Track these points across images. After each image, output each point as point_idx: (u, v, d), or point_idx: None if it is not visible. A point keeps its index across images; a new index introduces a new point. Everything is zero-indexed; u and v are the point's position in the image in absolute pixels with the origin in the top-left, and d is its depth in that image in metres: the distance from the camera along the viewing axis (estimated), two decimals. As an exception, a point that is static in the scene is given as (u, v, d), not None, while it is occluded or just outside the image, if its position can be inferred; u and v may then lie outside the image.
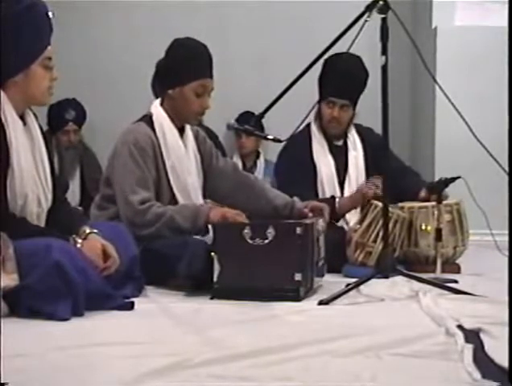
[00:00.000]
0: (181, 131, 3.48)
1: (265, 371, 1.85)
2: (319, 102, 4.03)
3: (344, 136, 4.15)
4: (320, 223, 3.20)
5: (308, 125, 4.09)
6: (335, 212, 3.79)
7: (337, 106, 4.02)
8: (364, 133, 4.19)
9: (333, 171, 4.08)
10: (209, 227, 3.17)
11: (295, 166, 4.02)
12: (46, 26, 2.74)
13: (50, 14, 2.73)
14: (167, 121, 3.43)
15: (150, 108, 3.49)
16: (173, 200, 3.39)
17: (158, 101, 3.50)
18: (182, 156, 3.44)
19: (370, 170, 4.09)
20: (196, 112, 3.42)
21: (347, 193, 4.04)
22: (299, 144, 4.05)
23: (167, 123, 3.43)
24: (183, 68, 3.35)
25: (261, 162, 5.80)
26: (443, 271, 3.45)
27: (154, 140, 3.39)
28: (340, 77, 3.94)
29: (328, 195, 4.00)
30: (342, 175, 4.10)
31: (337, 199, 3.90)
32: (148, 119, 3.45)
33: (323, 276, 3.25)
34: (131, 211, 3.23)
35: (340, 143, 4.15)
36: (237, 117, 5.39)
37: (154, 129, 3.42)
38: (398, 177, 3.80)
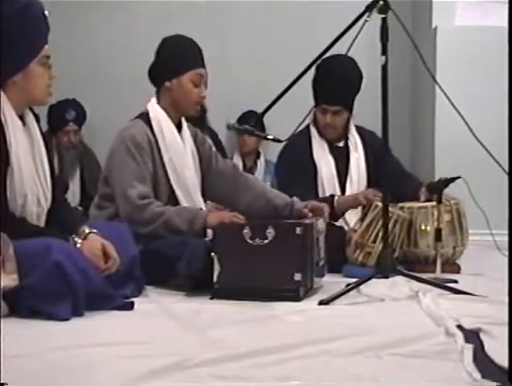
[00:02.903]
0: (178, 127, 3.49)
1: (265, 371, 1.86)
2: (314, 106, 4.01)
3: (345, 137, 4.14)
4: (320, 223, 3.20)
5: (308, 126, 4.09)
6: (334, 211, 3.78)
7: (330, 113, 3.99)
8: (366, 136, 4.16)
9: (334, 172, 4.07)
10: (207, 231, 3.17)
11: (296, 166, 4.01)
12: (42, 25, 2.73)
13: (46, 12, 2.73)
14: (164, 116, 3.45)
15: (147, 106, 3.51)
16: (172, 196, 3.40)
17: (154, 99, 3.51)
18: (180, 150, 3.45)
19: (371, 172, 4.09)
20: (195, 101, 3.46)
21: (348, 194, 4.03)
22: (299, 144, 4.04)
23: (164, 118, 3.45)
24: (179, 59, 3.42)
25: (261, 162, 5.81)
26: (443, 271, 3.45)
27: (150, 136, 3.40)
28: (331, 83, 3.88)
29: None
30: (343, 176, 4.09)
31: (336, 198, 3.89)
32: (145, 116, 3.47)
33: (323, 276, 3.25)
34: (129, 205, 3.24)
35: (341, 144, 4.14)
36: (240, 116, 5.40)
37: (151, 126, 3.43)
38: (399, 183, 3.80)
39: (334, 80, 3.89)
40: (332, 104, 3.97)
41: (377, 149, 4.01)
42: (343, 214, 3.90)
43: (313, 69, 3.45)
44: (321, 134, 4.09)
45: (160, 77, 3.46)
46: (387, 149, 3.11)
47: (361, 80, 3.98)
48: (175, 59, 3.42)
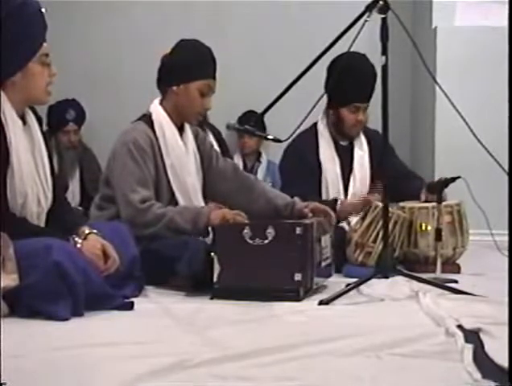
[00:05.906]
0: (181, 130, 3.48)
1: (265, 371, 1.85)
2: (336, 108, 4.00)
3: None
4: (325, 224, 3.20)
5: (315, 124, 4.09)
6: (336, 215, 3.77)
7: (362, 110, 4.01)
8: (370, 136, 4.17)
9: (338, 171, 4.07)
10: (209, 229, 3.17)
11: (301, 164, 4.01)
12: (39, 23, 2.71)
13: (43, 10, 2.70)
14: (166, 119, 3.44)
15: (150, 107, 3.50)
16: (173, 200, 3.39)
17: (157, 100, 3.50)
18: (182, 155, 3.44)
19: (375, 171, 4.09)
20: (198, 111, 3.43)
21: (351, 192, 4.04)
22: (305, 143, 4.04)
23: (166, 122, 3.43)
24: (192, 66, 3.37)
25: (262, 162, 5.81)
26: (443, 271, 3.44)
27: (153, 139, 3.39)
28: (361, 82, 3.91)
29: (331, 195, 4.00)
30: (347, 175, 4.09)
31: (339, 202, 3.89)
32: (147, 118, 3.45)
33: (329, 276, 3.25)
34: (132, 210, 3.23)
35: (345, 143, 4.14)
36: (240, 116, 5.39)
37: (153, 129, 3.42)
38: (401, 181, 3.80)
39: (363, 79, 3.91)
40: (364, 102, 4.00)
41: (380, 148, 4.00)
42: (344, 218, 3.89)
43: (314, 68, 3.43)
44: (329, 131, 4.08)
45: (169, 79, 3.43)
46: (388, 149, 3.10)
47: (376, 76, 3.97)
48: (188, 66, 3.37)
